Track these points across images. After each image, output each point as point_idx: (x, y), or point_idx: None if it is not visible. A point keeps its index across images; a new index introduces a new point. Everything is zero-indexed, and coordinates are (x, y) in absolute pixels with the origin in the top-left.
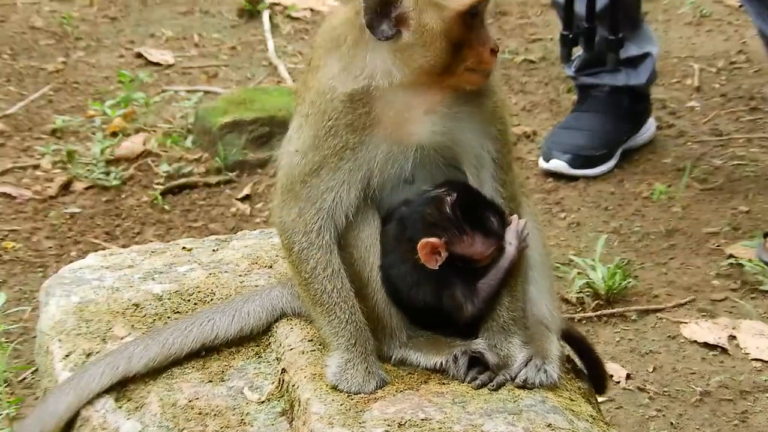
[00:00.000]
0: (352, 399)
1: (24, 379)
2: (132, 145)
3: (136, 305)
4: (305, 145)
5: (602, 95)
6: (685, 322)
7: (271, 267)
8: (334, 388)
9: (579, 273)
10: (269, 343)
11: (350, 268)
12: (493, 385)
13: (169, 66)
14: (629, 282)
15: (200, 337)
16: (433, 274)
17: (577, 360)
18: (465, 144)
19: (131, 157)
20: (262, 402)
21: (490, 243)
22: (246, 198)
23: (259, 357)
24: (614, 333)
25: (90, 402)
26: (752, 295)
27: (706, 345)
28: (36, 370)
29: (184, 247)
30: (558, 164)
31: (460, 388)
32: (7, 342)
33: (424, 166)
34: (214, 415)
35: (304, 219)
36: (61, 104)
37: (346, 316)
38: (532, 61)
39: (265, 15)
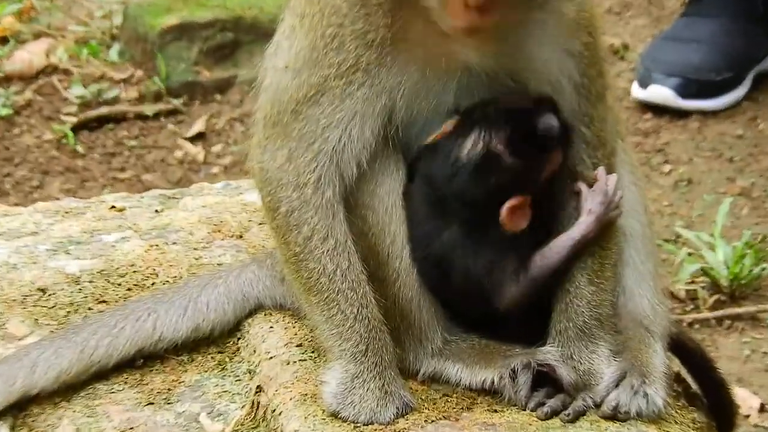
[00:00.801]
0: None
1: None
2: (29, 56)
3: (42, 290)
4: (298, 59)
5: None
6: None
7: (241, 237)
8: (335, 415)
9: (690, 254)
10: (238, 349)
11: (362, 239)
12: (569, 414)
13: None
14: (764, 269)
15: (137, 338)
16: (487, 244)
17: (690, 380)
18: (534, 66)
19: (28, 74)
20: None
21: (556, 154)
22: (198, 137)
23: (222, 369)
24: (742, 343)
25: None
26: None
27: None
28: None
29: (112, 206)
30: (661, 92)
31: (519, 418)
32: None
33: (472, 99)
34: None
35: (296, 166)
36: None
37: (355, 311)
38: None
39: None
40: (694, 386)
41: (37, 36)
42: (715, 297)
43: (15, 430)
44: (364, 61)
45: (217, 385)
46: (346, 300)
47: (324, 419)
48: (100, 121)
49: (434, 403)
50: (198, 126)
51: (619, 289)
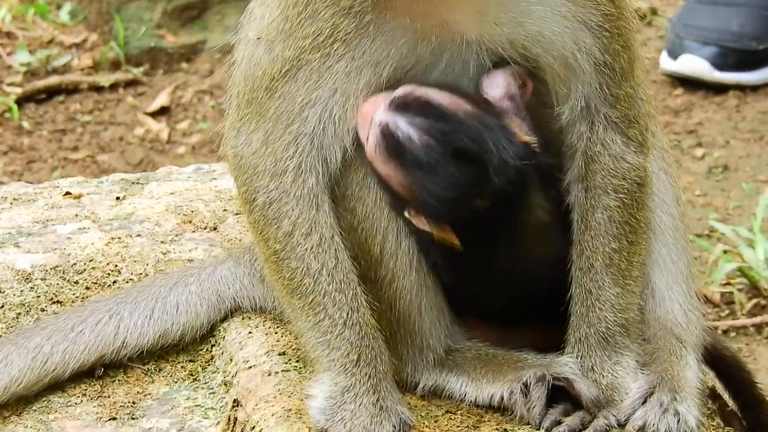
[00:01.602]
0: None
1: None
2: None
3: None
4: (271, 30)
5: None
6: None
7: (215, 229)
8: None
9: (726, 252)
10: (212, 357)
11: (351, 235)
12: None
13: None
14: None
15: (96, 344)
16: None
17: (726, 396)
18: (543, 40)
19: None
20: None
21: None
22: (161, 112)
23: (194, 380)
24: None
25: None
26: None
27: None
28: None
29: (67, 193)
30: (694, 63)
31: None
32: None
33: (470, 76)
34: None
35: (273, 151)
36: None
37: (344, 316)
38: None
39: None
40: (731, 404)
41: None
42: (754, 301)
43: None
44: (341, 31)
45: (188, 399)
46: (334, 303)
47: None
48: (49, 93)
49: (435, 421)
50: (161, 99)
51: (647, 292)
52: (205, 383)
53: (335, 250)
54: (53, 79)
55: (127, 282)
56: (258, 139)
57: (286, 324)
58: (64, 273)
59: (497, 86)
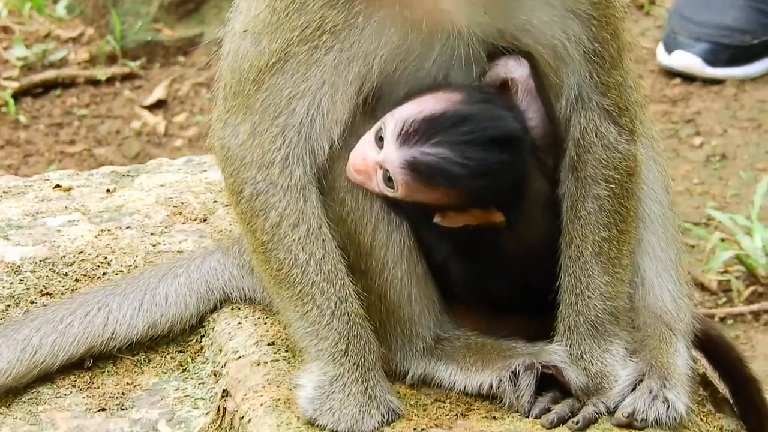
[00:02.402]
0: None
1: None
2: None
3: None
4: (258, 22)
5: None
6: None
7: (204, 220)
8: (311, 423)
9: (723, 240)
10: (201, 348)
11: (340, 226)
12: (578, 422)
13: None
14: None
15: (86, 335)
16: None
17: (718, 382)
18: (533, 29)
19: None
20: None
21: None
22: (158, 105)
23: (184, 370)
24: None
25: None
26: None
27: None
28: None
29: (57, 185)
30: (686, 59)
31: (521, 427)
32: None
33: (462, 66)
34: None
35: (261, 142)
36: None
37: (332, 306)
38: None
39: None
40: (723, 389)
41: None
42: (752, 288)
43: None
44: (329, 22)
45: (177, 389)
46: (322, 293)
47: (299, 427)
48: (46, 87)
49: (425, 410)
50: (158, 92)
51: (637, 280)
52: (195, 374)
53: (323, 240)
54: (50, 73)
55: (116, 274)
56: (245, 131)
57: (275, 314)
58: (53, 265)
59: (519, 66)
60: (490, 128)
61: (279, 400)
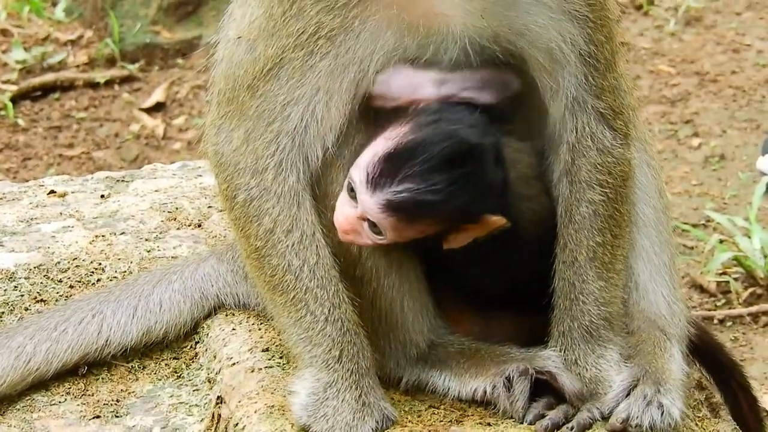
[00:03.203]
0: None
1: None
2: None
3: None
4: (253, 29)
5: None
6: None
7: (199, 226)
8: (305, 429)
9: (722, 241)
10: (196, 354)
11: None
12: (572, 428)
13: None
14: None
15: (80, 342)
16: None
17: (713, 388)
18: (529, 31)
19: None
20: None
21: None
22: (157, 108)
23: (178, 377)
24: None
25: None
26: None
27: None
28: None
29: (52, 191)
30: None
31: None
32: None
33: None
34: None
35: (254, 148)
36: None
37: (326, 312)
38: None
39: None
40: (718, 395)
41: None
42: (750, 290)
43: None
44: (326, 28)
45: (172, 396)
46: (316, 300)
47: None
48: (44, 90)
49: (419, 416)
50: (157, 95)
51: (631, 285)
52: (189, 380)
53: (316, 246)
54: (48, 76)
55: (111, 280)
56: (239, 137)
57: (270, 320)
58: (48, 272)
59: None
60: (445, 148)
61: (273, 406)
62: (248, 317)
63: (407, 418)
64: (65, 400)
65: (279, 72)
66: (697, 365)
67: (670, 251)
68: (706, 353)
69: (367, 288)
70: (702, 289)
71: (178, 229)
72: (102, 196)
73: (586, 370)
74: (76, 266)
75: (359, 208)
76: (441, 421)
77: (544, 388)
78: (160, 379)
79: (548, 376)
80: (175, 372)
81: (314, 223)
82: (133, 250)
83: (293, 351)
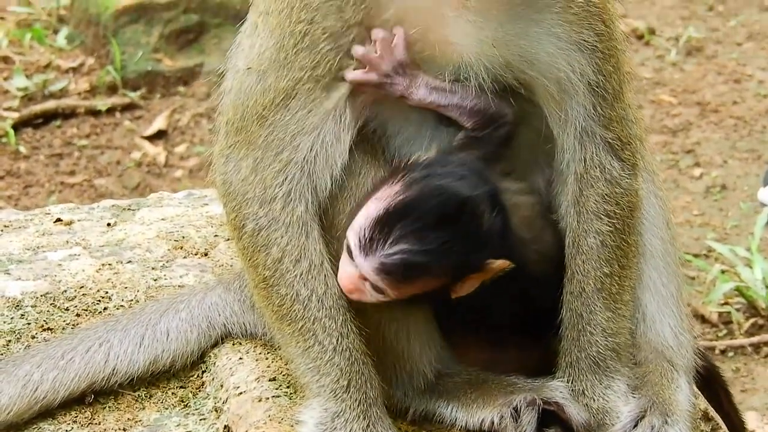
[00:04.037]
0: None
1: None
2: None
3: None
4: (263, 60)
5: None
6: None
7: (206, 255)
8: None
9: (724, 272)
10: (203, 383)
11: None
12: None
13: None
14: None
15: (87, 371)
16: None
17: (720, 420)
18: (538, 61)
19: None
20: None
21: None
22: (158, 135)
23: (185, 406)
24: None
25: None
26: None
27: None
28: None
29: (58, 219)
30: None
31: None
32: None
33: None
34: None
35: (263, 178)
36: None
37: (334, 342)
38: None
39: None
40: (725, 428)
41: None
42: (752, 320)
43: None
44: (339, 64)
45: (179, 425)
46: (324, 329)
47: None
48: (46, 117)
49: None
50: (158, 123)
51: (638, 315)
52: (196, 409)
53: (325, 276)
54: (50, 104)
55: (117, 308)
56: (247, 167)
57: (277, 350)
58: (54, 300)
59: None
60: (435, 206)
61: None
62: (255, 346)
63: None
64: (72, 428)
65: (290, 103)
66: (703, 396)
67: (677, 282)
68: (714, 386)
69: (373, 318)
70: (704, 320)
71: (184, 257)
72: (108, 225)
73: (594, 400)
74: (83, 294)
75: (359, 269)
76: None
77: (551, 419)
78: (167, 408)
79: (556, 406)
80: (182, 401)
81: (322, 253)
82: (140, 279)
83: (301, 380)
